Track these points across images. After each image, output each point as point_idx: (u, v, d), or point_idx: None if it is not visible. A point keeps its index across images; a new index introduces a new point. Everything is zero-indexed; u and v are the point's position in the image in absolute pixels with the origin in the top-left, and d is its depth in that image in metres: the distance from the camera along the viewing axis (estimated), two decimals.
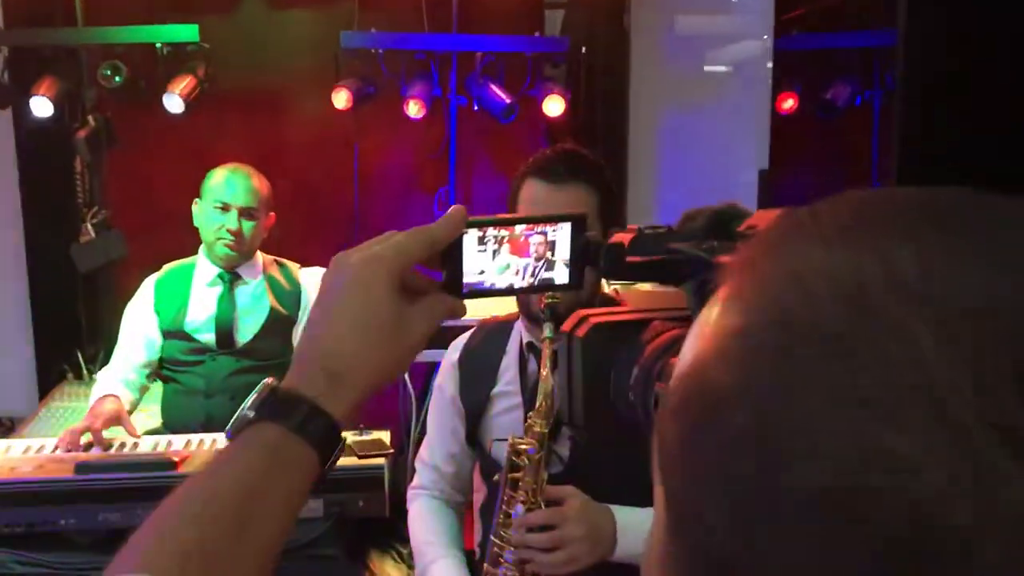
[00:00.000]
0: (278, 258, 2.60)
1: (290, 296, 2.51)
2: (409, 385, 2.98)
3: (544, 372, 1.40)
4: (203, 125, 3.52)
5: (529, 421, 1.42)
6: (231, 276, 2.48)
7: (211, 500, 0.62)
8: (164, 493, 1.05)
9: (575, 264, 0.74)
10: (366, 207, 3.72)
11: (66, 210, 3.59)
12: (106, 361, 2.60)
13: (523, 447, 1.43)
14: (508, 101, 3.35)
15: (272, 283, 2.52)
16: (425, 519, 1.69)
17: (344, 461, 1.91)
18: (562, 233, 0.73)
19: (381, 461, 1.90)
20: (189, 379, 2.41)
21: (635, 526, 1.38)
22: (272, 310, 2.47)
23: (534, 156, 1.58)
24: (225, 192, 2.45)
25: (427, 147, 3.71)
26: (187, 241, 2.67)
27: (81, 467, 1.87)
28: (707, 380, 0.34)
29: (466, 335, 1.73)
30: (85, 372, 3.13)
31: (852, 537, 0.29)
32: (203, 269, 2.51)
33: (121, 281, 3.39)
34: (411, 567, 1.87)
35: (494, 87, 3.40)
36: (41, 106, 3.24)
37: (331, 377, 0.65)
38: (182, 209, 2.62)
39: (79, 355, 3.18)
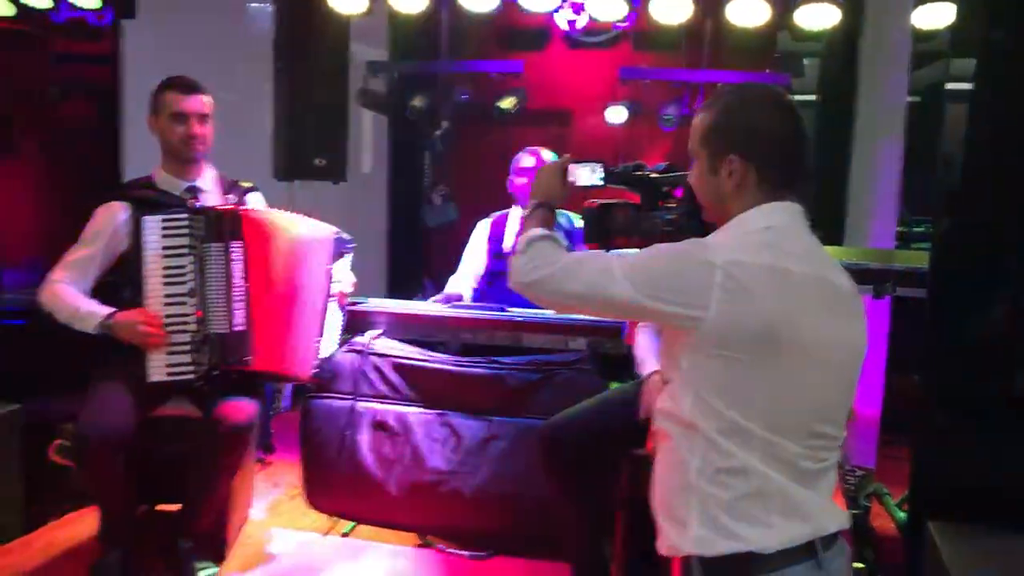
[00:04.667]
0: (567, 211, 3.88)
1: (573, 234, 3.78)
2: None
3: None
4: (516, 132, 4.93)
5: None
6: None
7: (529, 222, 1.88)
8: (494, 323, 2.43)
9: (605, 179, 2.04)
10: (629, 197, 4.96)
11: (418, 186, 5.14)
12: (444, 282, 4.01)
13: None
14: None
15: (560, 225, 3.80)
16: (645, 343, 2.86)
17: None
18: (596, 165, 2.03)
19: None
20: (504, 282, 3.74)
21: None
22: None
23: None
24: (527, 163, 3.77)
25: (677, 153, 4.89)
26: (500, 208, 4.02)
27: (451, 306, 3.24)
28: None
29: None
30: (429, 292, 4.59)
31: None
32: (517, 214, 3.85)
33: (453, 236, 4.87)
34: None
35: None
36: (414, 113, 4.79)
37: (544, 196, 1.93)
38: (497, 188, 3.95)
39: (427, 283, 4.66)
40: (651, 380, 2.75)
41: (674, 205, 2.08)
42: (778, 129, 1.62)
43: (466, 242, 3.97)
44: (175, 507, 3.03)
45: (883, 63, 4.60)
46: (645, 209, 2.09)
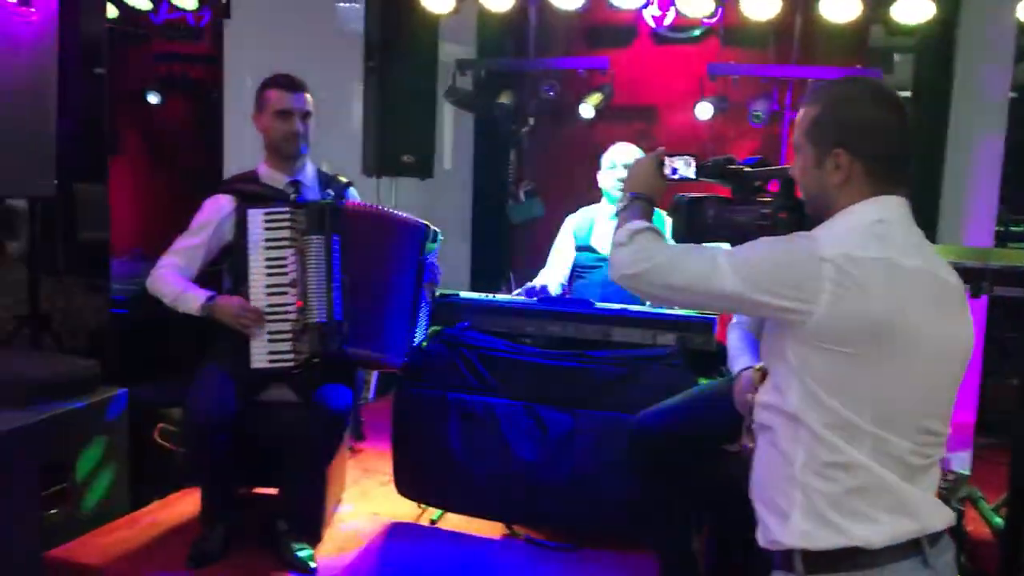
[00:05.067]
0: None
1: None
2: None
3: None
4: (601, 128, 4.96)
5: None
6: None
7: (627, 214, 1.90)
8: (582, 318, 2.48)
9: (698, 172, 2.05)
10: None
11: (502, 182, 5.20)
12: (529, 278, 4.05)
13: None
14: None
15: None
16: (736, 340, 2.85)
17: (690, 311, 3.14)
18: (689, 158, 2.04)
19: (714, 315, 3.10)
20: (592, 276, 3.77)
21: None
22: None
23: None
24: (615, 157, 3.78)
25: (765, 149, 4.84)
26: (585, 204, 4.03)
27: (539, 300, 3.28)
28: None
29: None
30: (514, 287, 4.65)
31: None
32: (605, 209, 3.86)
33: (538, 232, 4.91)
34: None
35: None
36: (501, 110, 4.85)
37: (641, 188, 1.93)
38: (582, 184, 3.97)
39: (512, 277, 4.72)
40: (743, 376, 2.74)
41: (768, 199, 2.07)
42: (884, 122, 1.61)
43: (550, 238, 4.00)
44: (271, 490, 3.16)
45: (982, 58, 4.49)
46: (737, 203, 2.09)
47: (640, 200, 1.91)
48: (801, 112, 1.71)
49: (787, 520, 1.57)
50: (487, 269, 5.18)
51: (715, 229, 2.09)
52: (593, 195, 3.93)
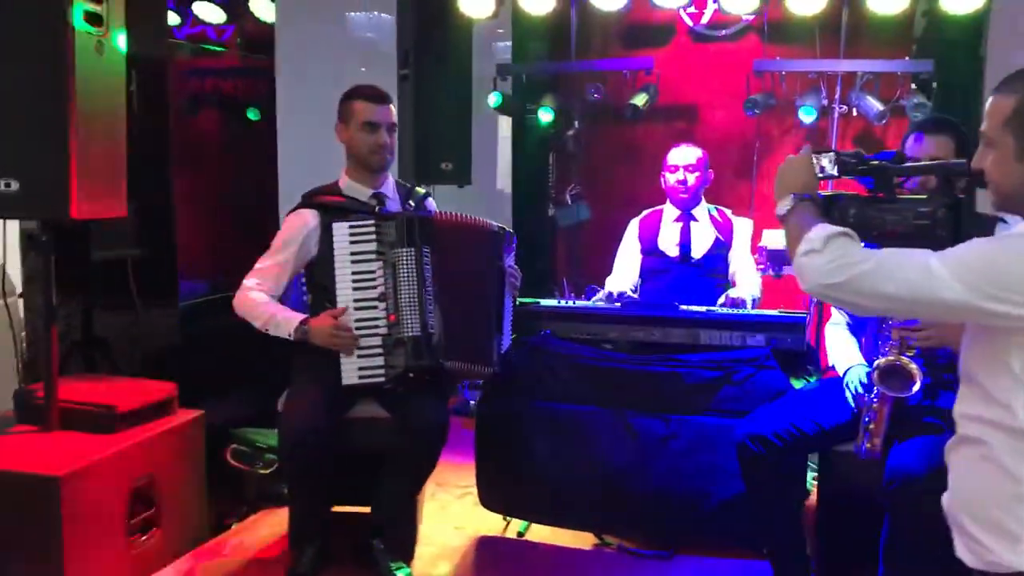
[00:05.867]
0: (718, 206, 3.84)
1: (725, 229, 3.74)
2: None
3: None
4: (643, 128, 4.91)
5: None
6: (689, 215, 3.77)
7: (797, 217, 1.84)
8: (668, 321, 2.55)
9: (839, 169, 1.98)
10: (765, 191, 4.88)
11: (543, 187, 5.16)
12: (580, 286, 4.01)
13: None
14: (880, 109, 4.37)
15: (715, 220, 3.77)
16: (839, 340, 2.82)
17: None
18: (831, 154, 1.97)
19: (804, 314, 3.06)
20: (661, 279, 3.73)
21: None
22: (715, 237, 3.73)
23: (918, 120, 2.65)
24: (677, 159, 3.75)
25: (814, 144, 4.79)
26: (632, 213, 3.99)
27: (623, 305, 3.23)
28: None
29: None
30: (567, 292, 4.60)
31: None
32: (670, 211, 3.82)
33: (582, 235, 4.86)
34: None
35: (870, 98, 4.43)
36: (545, 115, 4.80)
37: (801, 189, 1.85)
38: (633, 188, 3.92)
39: (564, 282, 4.67)
40: (855, 374, 2.70)
41: (916, 196, 2.02)
42: None
43: (594, 241, 3.97)
44: (354, 508, 3.09)
45: (1015, 45, 4.45)
46: (879, 201, 2.02)
47: (809, 202, 1.83)
48: (994, 102, 1.62)
49: (1017, 542, 1.50)
50: (533, 275, 5.09)
51: (856, 229, 2.02)
52: (636, 196, 3.89)
